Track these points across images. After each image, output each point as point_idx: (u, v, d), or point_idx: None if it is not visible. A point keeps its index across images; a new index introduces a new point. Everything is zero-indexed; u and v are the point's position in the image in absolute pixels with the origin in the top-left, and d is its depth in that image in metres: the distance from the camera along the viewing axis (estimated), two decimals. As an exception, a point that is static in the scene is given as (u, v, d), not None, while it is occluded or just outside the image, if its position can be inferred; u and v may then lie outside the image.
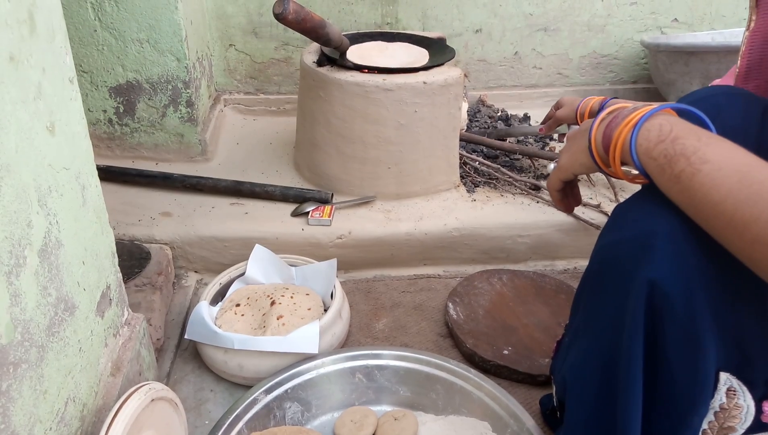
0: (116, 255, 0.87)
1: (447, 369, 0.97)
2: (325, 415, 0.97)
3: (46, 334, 0.65)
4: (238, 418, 0.88)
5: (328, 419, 0.96)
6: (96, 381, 0.78)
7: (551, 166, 0.96)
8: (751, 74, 0.79)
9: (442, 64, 1.40)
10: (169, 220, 1.33)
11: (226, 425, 0.86)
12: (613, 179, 1.48)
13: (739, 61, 0.80)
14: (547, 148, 1.67)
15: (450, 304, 1.20)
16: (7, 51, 0.58)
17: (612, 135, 0.64)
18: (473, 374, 0.96)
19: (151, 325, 1.05)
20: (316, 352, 0.99)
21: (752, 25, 0.77)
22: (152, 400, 0.76)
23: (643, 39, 1.87)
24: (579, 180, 0.81)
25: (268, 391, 0.93)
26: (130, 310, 0.92)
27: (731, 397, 0.60)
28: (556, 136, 1.75)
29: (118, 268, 0.88)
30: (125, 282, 0.91)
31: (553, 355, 0.88)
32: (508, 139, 1.68)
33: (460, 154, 1.48)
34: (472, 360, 1.09)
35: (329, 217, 1.33)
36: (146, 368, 0.94)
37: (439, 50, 1.49)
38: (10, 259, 0.57)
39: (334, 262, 1.17)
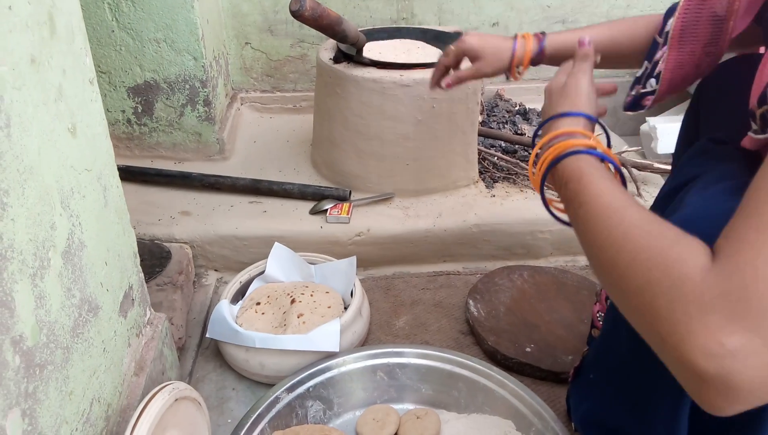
0: (138, 255, 0.87)
1: (469, 367, 0.97)
2: (347, 414, 0.96)
3: (71, 336, 0.65)
4: (261, 416, 0.88)
5: (350, 418, 0.96)
6: (120, 381, 0.78)
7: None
8: (686, 37, 0.79)
9: (460, 58, 1.38)
10: (189, 219, 1.33)
11: (248, 424, 0.86)
12: (635, 172, 1.46)
13: (673, 26, 0.79)
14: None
15: (470, 301, 1.19)
16: (29, 53, 0.58)
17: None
18: (496, 372, 0.95)
19: (173, 324, 1.05)
20: (337, 350, 0.99)
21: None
22: (176, 399, 0.76)
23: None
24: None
25: (290, 390, 0.93)
26: (152, 309, 0.93)
27: None
28: None
29: (140, 268, 0.88)
30: (146, 281, 0.91)
31: (570, 379, 0.87)
32: (526, 133, 1.66)
33: (478, 149, 1.46)
34: (494, 357, 1.08)
35: (348, 214, 1.32)
36: (169, 367, 0.95)
37: (456, 44, 1.47)
38: (35, 262, 0.57)
39: (353, 259, 1.16)
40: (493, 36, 0.98)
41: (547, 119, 0.73)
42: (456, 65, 1.05)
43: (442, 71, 1.06)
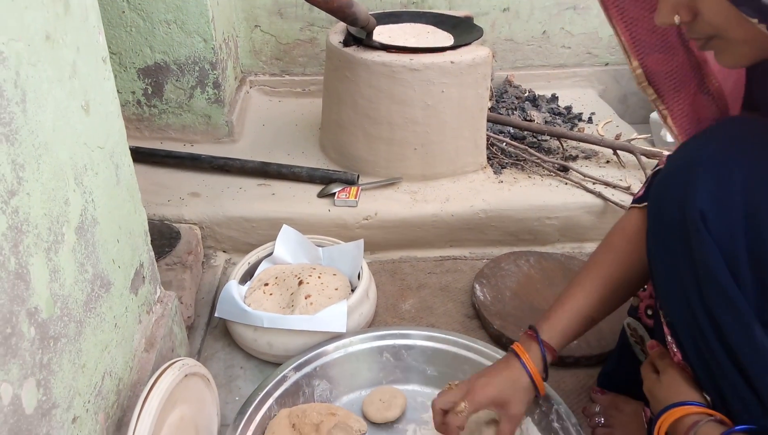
0: (148, 234, 0.88)
1: (475, 349, 0.97)
2: (353, 393, 0.98)
3: (84, 310, 0.66)
4: (269, 394, 0.90)
5: (356, 397, 0.97)
6: (131, 356, 0.80)
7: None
8: None
9: (470, 43, 1.38)
10: (198, 200, 1.34)
11: (256, 401, 0.88)
12: (644, 160, 1.45)
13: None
14: (575, 129, 1.64)
15: (477, 286, 1.19)
16: (43, 30, 0.58)
17: None
18: (501, 355, 0.95)
19: (182, 303, 1.07)
20: (344, 331, 1.00)
21: (667, 113, 0.74)
22: (186, 375, 0.77)
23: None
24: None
25: (298, 369, 0.94)
26: (162, 288, 0.94)
27: None
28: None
29: (151, 246, 0.89)
30: (156, 261, 0.92)
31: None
32: (535, 120, 1.65)
33: (487, 134, 1.46)
34: (500, 341, 1.09)
35: (355, 198, 1.33)
36: (178, 345, 0.96)
37: (466, 29, 1.47)
38: (49, 236, 0.58)
39: (361, 242, 1.17)
40: (495, 369, 0.81)
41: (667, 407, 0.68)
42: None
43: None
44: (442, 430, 0.80)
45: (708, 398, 0.66)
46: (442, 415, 0.79)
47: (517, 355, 0.80)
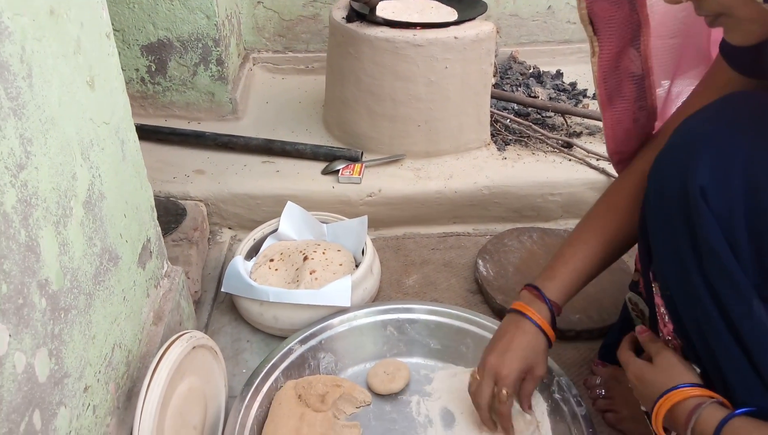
0: (155, 209, 0.89)
1: (477, 323, 0.99)
2: (357, 366, 0.99)
3: (93, 283, 0.67)
4: (275, 366, 0.91)
5: (360, 369, 0.99)
6: (140, 329, 0.81)
7: None
8: (614, 99, 0.84)
9: (474, 18, 1.37)
10: (203, 177, 1.35)
11: (263, 373, 0.90)
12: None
13: (597, 90, 0.84)
14: (580, 105, 1.63)
15: (480, 261, 1.20)
16: (48, 5, 0.59)
17: None
18: (503, 328, 0.97)
19: (188, 277, 1.08)
20: (349, 305, 1.01)
21: (597, 50, 0.80)
22: (194, 347, 0.79)
23: (684, -10, 1.79)
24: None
25: (303, 342, 0.96)
26: (169, 263, 0.95)
27: None
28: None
29: (157, 222, 0.90)
30: (163, 237, 0.93)
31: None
32: (540, 96, 1.64)
33: (490, 111, 1.46)
34: (502, 315, 1.09)
35: (359, 175, 1.33)
36: (186, 319, 0.98)
37: (470, 4, 1.45)
38: (58, 210, 0.59)
39: (364, 219, 1.18)
40: (509, 338, 0.81)
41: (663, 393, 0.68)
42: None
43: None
44: (491, 425, 0.83)
45: (698, 370, 0.67)
46: (489, 410, 0.82)
47: (527, 317, 0.81)
